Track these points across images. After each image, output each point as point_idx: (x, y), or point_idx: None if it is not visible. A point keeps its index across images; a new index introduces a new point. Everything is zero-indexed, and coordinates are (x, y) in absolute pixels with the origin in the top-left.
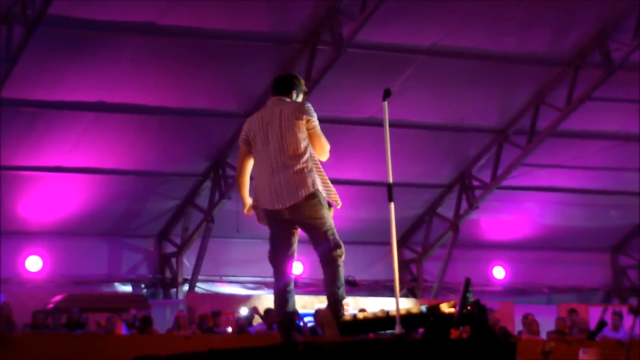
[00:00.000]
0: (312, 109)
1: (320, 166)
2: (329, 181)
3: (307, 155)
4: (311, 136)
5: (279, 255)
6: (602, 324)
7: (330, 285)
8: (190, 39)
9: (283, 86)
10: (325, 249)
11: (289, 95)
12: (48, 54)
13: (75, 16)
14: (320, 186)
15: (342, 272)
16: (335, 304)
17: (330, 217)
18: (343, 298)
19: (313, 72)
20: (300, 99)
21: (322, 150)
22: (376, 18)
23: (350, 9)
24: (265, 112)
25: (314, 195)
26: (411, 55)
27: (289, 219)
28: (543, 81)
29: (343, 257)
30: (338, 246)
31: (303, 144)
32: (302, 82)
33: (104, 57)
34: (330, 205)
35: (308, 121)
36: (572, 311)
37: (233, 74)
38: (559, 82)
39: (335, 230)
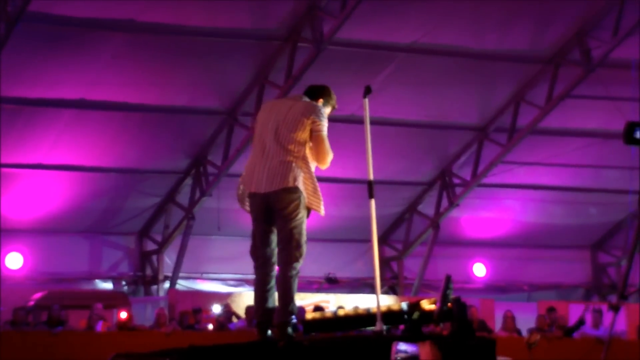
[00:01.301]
0: (323, 113)
1: (312, 173)
2: (318, 190)
3: (299, 154)
4: (314, 139)
5: (259, 250)
6: (580, 322)
7: (282, 294)
8: (171, 36)
9: (312, 92)
10: (285, 248)
11: (316, 101)
12: (28, 51)
13: (55, 13)
14: (301, 186)
15: (296, 282)
16: (284, 317)
17: (303, 221)
18: (293, 312)
19: (294, 69)
20: (327, 110)
21: (322, 157)
22: (357, 15)
23: (331, 6)
24: (281, 101)
25: (292, 190)
26: (392, 52)
27: (265, 208)
28: (523, 79)
29: (298, 267)
30: (299, 253)
31: (300, 142)
32: (334, 97)
33: (85, 54)
34: (309, 210)
35: (314, 122)
36: (551, 309)
37: (214, 71)
38: (539, 79)
39: (303, 237)
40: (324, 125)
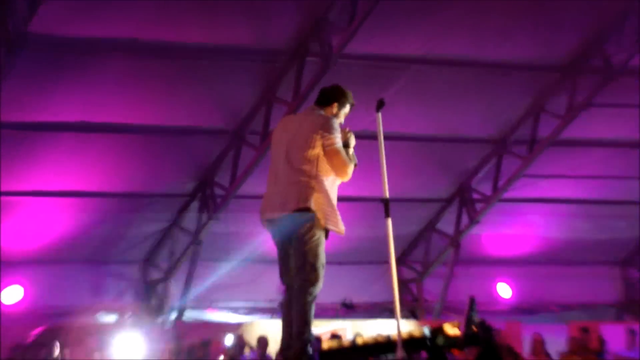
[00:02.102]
0: (333, 125)
1: (327, 190)
2: (334, 208)
3: (312, 172)
4: (327, 154)
5: (283, 277)
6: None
7: (298, 322)
8: (173, 55)
9: (323, 97)
10: (300, 272)
11: (329, 106)
12: (28, 74)
13: (56, 33)
14: (314, 205)
15: (313, 309)
16: (300, 348)
17: (319, 243)
18: (309, 341)
19: (302, 84)
20: (344, 111)
21: (340, 170)
22: (366, 27)
23: (339, 18)
24: (294, 118)
25: (303, 211)
26: (403, 64)
27: (280, 233)
28: (542, 88)
29: (315, 291)
30: (314, 276)
31: (311, 161)
32: (349, 95)
33: (86, 75)
34: (327, 231)
35: (323, 137)
36: (584, 330)
37: (218, 89)
38: (559, 88)
39: (320, 259)
40: (335, 137)
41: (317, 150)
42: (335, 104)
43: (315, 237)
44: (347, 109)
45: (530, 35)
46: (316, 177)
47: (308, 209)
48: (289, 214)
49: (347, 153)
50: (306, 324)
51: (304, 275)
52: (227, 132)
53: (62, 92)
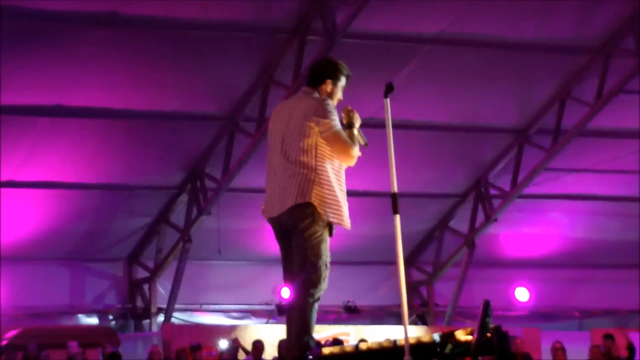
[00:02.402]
0: (327, 108)
1: (331, 180)
2: (339, 199)
3: (310, 163)
4: (326, 140)
5: (286, 276)
6: (630, 350)
7: (297, 326)
8: (160, 31)
9: (314, 75)
10: (300, 271)
11: (322, 85)
12: None
13: (27, 6)
14: (314, 199)
15: (314, 312)
16: (297, 352)
17: (321, 239)
18: (310, 346)
19: (303, 66)
20: (341, 85)
21: (342, 154)
22: (374, 2)
23: None
24: (286, 104)
25: (301, 206)
26: (416, 44)
27: (281, 231)
28: (568, 72)
29: (316, 293)
30: (315, 277)
31: (309, 150)
32: (341, 66)
33: (61, 52)
34: (331, 227)
35: (317, 123)
36: (608, 337)
37: (210, 70)
38: (587, 73)
39: (322, 257)
40: (332, 120)
41: (314, 138)
42: (329, 81)
43: (317, 234)
44: (342, 81)
45: (563, 12)
46: (315, 169)
47: (307, 204)
48: (287, 210)
49: (352, 134)
50: (305, 328)
51: (305, 274)
52: (220, 118)
53: (34, 71)
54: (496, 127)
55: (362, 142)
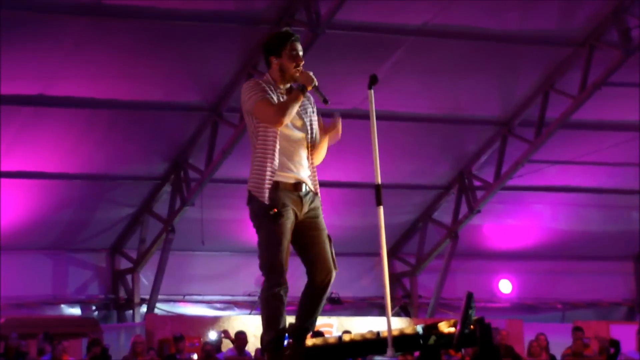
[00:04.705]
0: (245, 91)
1: (260, 154)
2: (265, 173)
3: (254, 149)
4: (255, 118)
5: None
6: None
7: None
8: (143, 20)
9: (264, 56)
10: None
11: (270, 65)
12: None
13: None
14: (252, 185)
15: (270, 305)
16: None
17: (266, 231)
18: (267, 345)
19: None
20: (288, 52)
21: (268, 121)
22: None
23: None
24: None
25: (248, 196)
26: (399, 36)
27: None
28: (552, 64)
29: (268, 290)
30: (264, 273)
31: (252, 138)
32: (276, 35)
33: (43, 41)
34: (269, 208)
35: (244, 105)
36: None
37: (194, 60)
38: (571, 64)
39: (267, 252)
40: (250, 97)
41: (251, 125)
42: (272, 58)
43: (259, 219)
44: (288, 47)
45: (546, 4)
46: (254, 152)
47: (248, 193)
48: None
49: (301, 96)
50: (264, 320)
51: (260, 263)
52: (203, 108)
53: (17, 60)
54: (480, 119)
55: (322, 100)
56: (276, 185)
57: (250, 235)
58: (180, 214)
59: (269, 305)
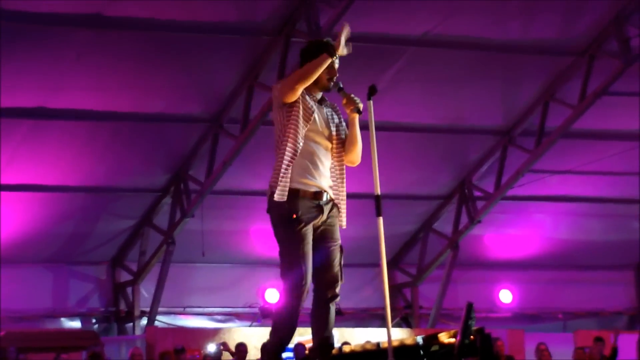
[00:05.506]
0: (279, 84)
1: (285, 156)
2: (287, 170)
3: (281, 151)
4: (280, 99)
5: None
6: (613, 352)
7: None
8: (144, 32)
9: (300, 62)
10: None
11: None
12: None
13: (9, 8)
14: (275, 179)
15: (287, 318)
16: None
17: (287, 237)
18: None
19: (287, 67)
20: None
21: (289, 82)
22: (358, 4)
23: None
24: None
25: (268, 203)
26: (400, 46)
27: None
28: (553, 74)
29: (293, 302)
30: (285, 281)
31: (280, 138)
32: (308, 47)
33: (44, 54)
34: (289, 214)
35: (275, 99)
36: (598, 340)
37: (195, 72)
38: (572, 74)
39: (289, 260)
40: (280, 84)
41: (279, 125)
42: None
43: (279, 231)
44: (320, 57)
45: (547, 14)
46: (278, 157)
47: (269, 198)
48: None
49: (327, 59)
50: (271, 334)
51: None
52: (204, 119)
53: (17, 72)
54: (481, 129)
55: (337, 89)
56: (296, 193)
57: (250, 246)
58: (181, 226)
59: (283, 314)
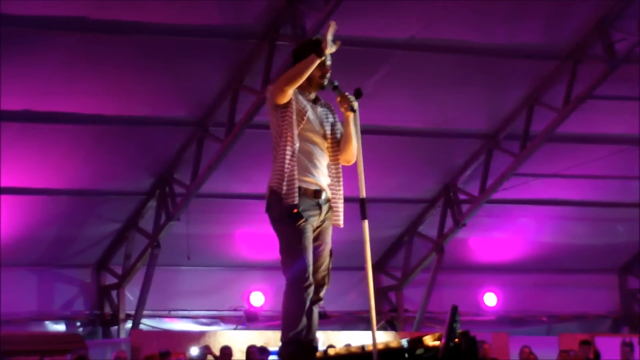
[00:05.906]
0: (271, 87)
1: (286, 154)
2: (292, 175)
3: (280, 149)
4: (273, 99)
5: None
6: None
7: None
8: (129, 36)
9: (292, 62)
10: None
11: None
12: None
13: None
14: (273, 182)
15: (291, 311)
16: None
17: (287, 231)
18: (291, 349)
19: (272, 71)
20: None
21: (281, 82)
22: (344, 8)
23: None
24: None
25: (270, 194)
26: (386, 50)
27: None
28: (538, 78)
29: (298, 295)
30: (288, 275)
31: (277, 136)
32: (299, 47)
33: (29, 58)
34: (290, 209)
35: (268, 101)
36: (584, 343)
37: (180, 75)
38: (556, 78)
39: (290, 253)
40: (272, 86)
41: (275, 125)
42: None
43: (279, 226)
44: (312, 56)
45: (532, 18)
46: (276, 156)
47: (271, 190)
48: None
49: (315, 59)
50: (284, 328)
51: (283, 268)
52: (189, 123)
53: (1, 76)
54: (466, 133)
55: (331, 87)
56: (297, 191)
57: (235, 250)
58: (166, 229)
59: (292, 309)
